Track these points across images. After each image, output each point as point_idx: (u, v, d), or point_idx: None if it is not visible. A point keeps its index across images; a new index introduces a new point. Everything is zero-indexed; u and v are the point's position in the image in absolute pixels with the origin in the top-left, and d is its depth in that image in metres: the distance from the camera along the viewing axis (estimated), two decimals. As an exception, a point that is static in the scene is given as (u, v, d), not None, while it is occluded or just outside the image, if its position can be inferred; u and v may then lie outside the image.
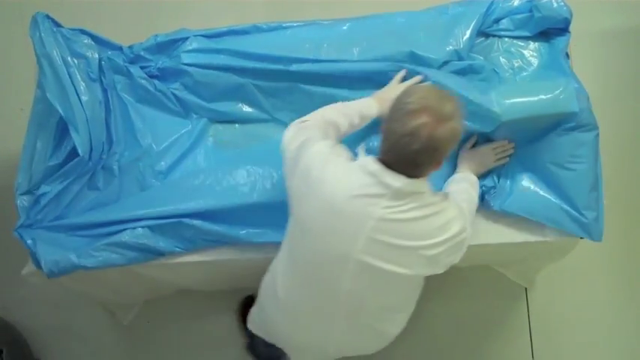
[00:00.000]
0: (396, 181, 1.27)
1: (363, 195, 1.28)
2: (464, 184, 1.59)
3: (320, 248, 1.35)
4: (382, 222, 1.29)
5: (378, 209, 1.28)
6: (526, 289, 2.23)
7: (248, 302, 2.13)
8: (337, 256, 1.33)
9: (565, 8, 1.74)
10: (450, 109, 1.23)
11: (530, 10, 1.77)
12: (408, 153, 1.24)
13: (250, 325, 1.70)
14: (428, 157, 1.25)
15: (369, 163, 1.31)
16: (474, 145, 1.71)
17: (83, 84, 1.77)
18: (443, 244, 1.34)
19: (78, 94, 1.75)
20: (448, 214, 1.36)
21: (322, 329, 1.45)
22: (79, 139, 1.71)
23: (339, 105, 1.59)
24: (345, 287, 1.36)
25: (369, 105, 1.60)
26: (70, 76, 1.75)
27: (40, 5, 1.89)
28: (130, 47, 1.87)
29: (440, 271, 1.40)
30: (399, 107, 1.25)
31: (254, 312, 1.69)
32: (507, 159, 1.71)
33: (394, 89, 1.64)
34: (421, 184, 1.31)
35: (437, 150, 1.24)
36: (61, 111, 1.71)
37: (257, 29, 1.87)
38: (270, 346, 1.93)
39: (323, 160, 1.35)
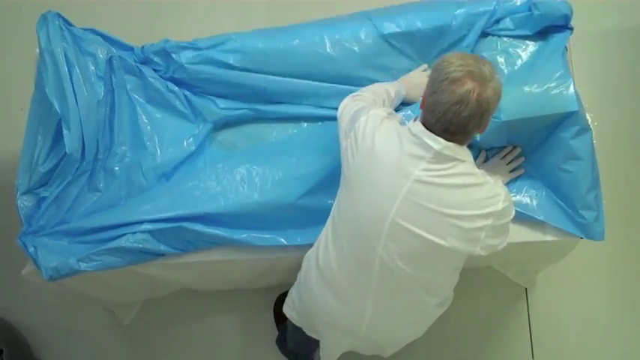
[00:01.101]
0: (436, 143, 1.29)
1: (406, 155, 1.32)
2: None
3: (361, 208, 1.37)
4: (418, 184, 1.30)
5: (416, 170, 1.30)
6: (526, 289, 2.23)
7: (282, 299, 2.15)
8: (375, 217, 1.35)
9: (564, 4, 1.73)
10: (488, 69, 1.28)
11: (530, 9, 1.77)
12: (459, 121, 1.27)
13: (286, 309, 1.70)
14: (477, 121, 1.29)
15: (414, 125, 1.34)
16: (485, 160, 1.72)
17: (83, 82, 1.77)
18: (483, 218, 1.32)
19: (75, 92, 1.75)
20: (494, 190, 1.35)
21: (356, 300, 1.45)
22: (69, 136, 1.72)
23: (381, 84, 1.71)
24: (379, 253, 1.36)
25: (400, 86, 1.73)
26: (70, 74, 1.75)
27: (40, 6, 1.89)
28: (142, 48, 1.87)
29: (479, 251, 1.37)
30: (441, 78, 1.27)
31: (292, 291, 1.69)
32: (522, 170, 1.72)
33: (417, 75, 1.75)
34: (462, 151, 1.33)
35: (485, 112, 1.28)
36: (57, 107, 1.72)
37: (260, 34, 1.86)
38: (300, 345, 1.93)
39: (378, 123, 1.39)
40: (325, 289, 1.49)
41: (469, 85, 1.24)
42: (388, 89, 1.66)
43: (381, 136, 1.37)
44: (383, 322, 1.48)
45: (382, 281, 1.40)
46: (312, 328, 1.66)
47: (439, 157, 1.30)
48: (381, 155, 1.34)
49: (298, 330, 1.83)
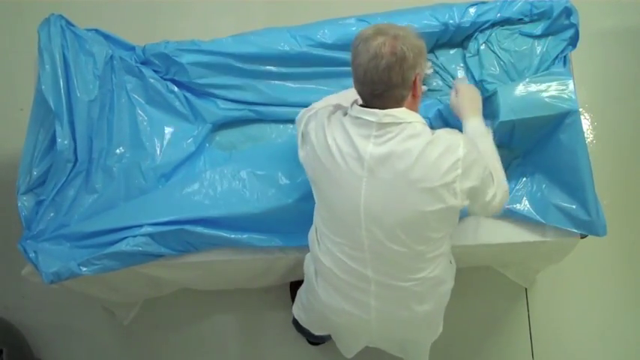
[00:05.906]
0: (374, 115, 1.30)
1: (355, 139, 1.32)
2: (481, 144, 1.47)
3: (335, 204, 1.38)
4: (375, 160, 1.30)
5: (368, 148, 1.31)
6: (526, 289, 2.23)
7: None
8: (349, 209, 1.35)
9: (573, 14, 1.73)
10: (401, 30, 1.29)
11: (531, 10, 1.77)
12: (380, 76, 1.26)
13: (295, 309, 1.70)
14: (398, 72, 1.27)
15: (352, 108, 1.35)
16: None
17: (80, 81, 1.77)
18: (450, 171, 1.29)
19: (69, 91, 1.76)
20: (449, 139, 1.31)
21: (359, 295, 1.44)
22: (61, 133, 1.72)
23: (340, 93, 1.66)
24: (365, 239, 1.36)
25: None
26: (66, 73, 1.76)
27: (41, 6, 1.89)
28: (143, 48, 1.88)
29: (461, 202, 1.32)
30: (356, 44, 1.30)
31: (301, 292, 1.69)
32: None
33: None
34: (405, 114, 1.31)
35: (403, 61, 1.26)
36: (52, 104, 1.72)
37: (259, 35, 1.86)
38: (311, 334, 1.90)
39: (326, 121, 1.40)
40: (330, 291, 1.49)
41: (380, 39, 1.26)
42: (347, 97, 1.56)
43: (331, 130, 1.37)
44: (391, 313, 1.46)
45: (377, 267, 1.40)
46: (321, 328, 1.65)
47: (383, 127, 1.30)
48: (335, 149, 1.35)
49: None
